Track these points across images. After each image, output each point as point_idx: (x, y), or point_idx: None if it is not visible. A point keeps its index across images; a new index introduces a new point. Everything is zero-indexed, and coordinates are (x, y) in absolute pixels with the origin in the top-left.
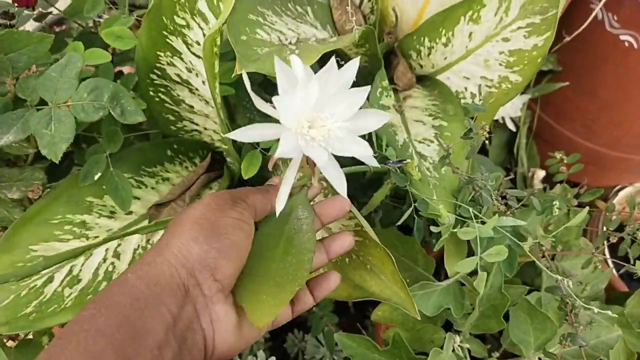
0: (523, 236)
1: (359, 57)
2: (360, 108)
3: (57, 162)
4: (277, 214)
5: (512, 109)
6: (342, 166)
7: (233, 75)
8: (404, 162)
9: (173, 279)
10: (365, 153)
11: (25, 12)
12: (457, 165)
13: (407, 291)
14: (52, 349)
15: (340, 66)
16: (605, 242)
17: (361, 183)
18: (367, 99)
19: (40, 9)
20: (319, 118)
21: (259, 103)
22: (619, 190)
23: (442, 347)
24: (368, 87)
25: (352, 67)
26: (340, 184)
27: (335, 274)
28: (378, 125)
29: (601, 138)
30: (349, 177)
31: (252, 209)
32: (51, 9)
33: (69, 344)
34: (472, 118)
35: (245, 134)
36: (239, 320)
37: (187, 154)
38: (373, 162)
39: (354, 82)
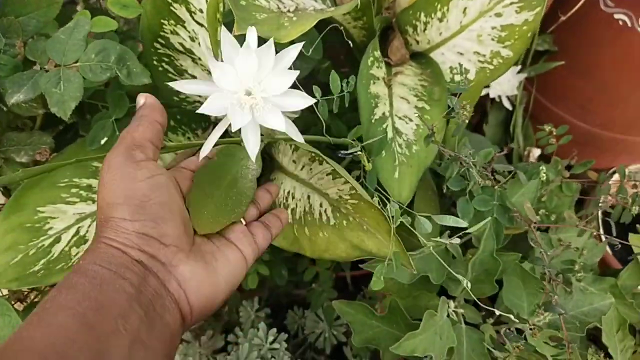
0: (509, 208)
1: (301, 44)
2: None
3: (66, 119)
4: (200, 158)
5: (508, 88)
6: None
7: (232, 33)
8: (355, 153)
9: (124, 258)
10: (282, 127)
11: None
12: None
13: (402, 248)
14: (18, 330)
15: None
16: (601, 220)
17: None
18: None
19: None
20: (255, 88)
21: (210, 62)
22: (613, 173)
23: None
24: (297, 72)
25: (293, 51)
26: (253, 149)
27: (285, 211)
28: (303, 105)
29: (596, 119)
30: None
31: (150, 147)
32: None
33: (31, 323)
34: (454, 94)
35: (184, 86)
36: (210, 269)
37: (190, 125)
38: (299, 138)
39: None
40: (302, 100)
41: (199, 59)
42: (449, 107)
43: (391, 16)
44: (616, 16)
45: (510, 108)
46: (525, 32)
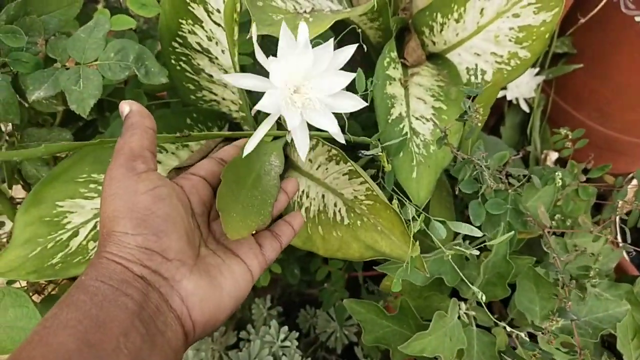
0: (522, 213)
1: (355, 46)
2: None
3: (85, 116)
4: (244, 155)
5: (526, 90)
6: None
7: (248, 37)
8: (375, 154)
9: (125, 273)
10: (333, 129)
11: None
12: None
13: (417, 248)
14: (18, 349)
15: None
16: (618, 225)
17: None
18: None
19: None
20: (304, 86)
21: (261, 58)
22: (633, 177)
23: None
24: (353, 74)
25: (347, 51)
26: (303, 149)
27: (300, 214)
28: (353, 108)
29: (615, 122)
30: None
31: (148, 156)
32: None
33: (31, 342)
34: (469, 97)
35: (239, 80)
36: (215, 283)
37: (206, 123)
38: (340, 139)
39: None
40: (352, 102)
41: (216, 58)
42: (463, 106)
43: (407, 17)
44: (637, 19)
45: (527, 111)
46: (543, 33)
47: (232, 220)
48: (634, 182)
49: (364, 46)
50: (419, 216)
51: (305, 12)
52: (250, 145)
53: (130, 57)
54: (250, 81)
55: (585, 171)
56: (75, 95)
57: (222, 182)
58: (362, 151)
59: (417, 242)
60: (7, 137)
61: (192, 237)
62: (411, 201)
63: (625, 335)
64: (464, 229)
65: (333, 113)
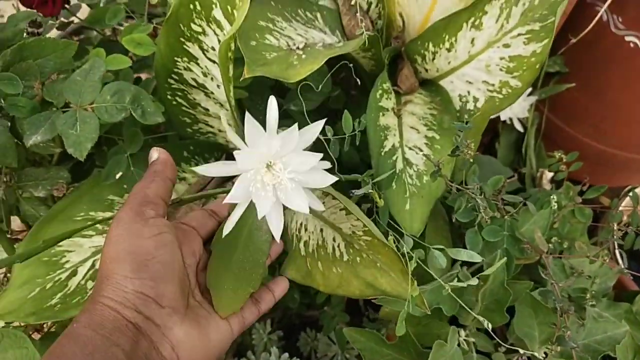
0: (519, 240)
1: (323, 121)
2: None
3: (82, 159)
4: (223, 235)
5: (519, 110)
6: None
7: (242, 79)
8: (365, 192)
9: (118, 321)
10: (304, 210)
11: (50, 22)
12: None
13: (417, 289)
14: None
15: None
16: (616, 243)
17: None
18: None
19: (62, 18)
20: (275, 166)
21: (232, 135)
22: (629, 192)
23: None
24: (320, 155)
25: (314, 129)
26: (277, 231)
27: (285, 280)
28: (325, 184)
29: (610, 139)
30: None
31: (159, 202)
32: (73, 18)
33: None
34: (465, 122)
35: (209, 169)
36: (203, 333)
37: (203, 155)
38: (306, 211)
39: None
40: (324, 178)
41: (212, 92)
42: (455, 141)
43: (400, 45)
44: (627, 38)
45: (522, 130)
46: (533, 64)
47: (223, 296)
48: (627, 200)
49: (355, 77)
50: (416, 247)
51: (298, 48)
52: (229, 224)
53: (127, 98)
54: (220, 169)
55: (581, 192)
56: (73, 138)
57: (212, 254)
58: (353, 191)
59: (415, 281)
60: (5, 179)
61: (184, 286)
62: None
63: (625, 357)
64: (463, 255)
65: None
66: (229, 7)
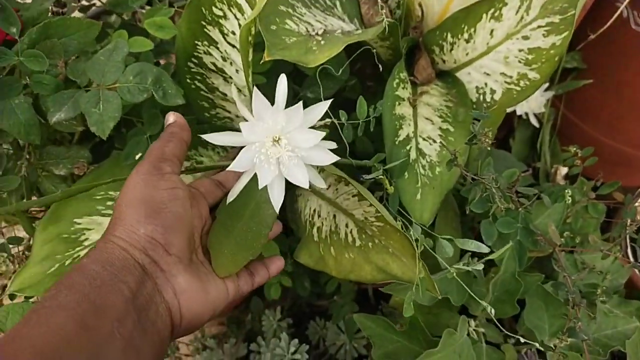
0: (533, 232)
1: (329, 101)
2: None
3: (104, 138)
4: (227, 202)
5: (535, 106)
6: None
7: (262, 62)
8: (376, 177)
9: (127, 260)
10: (304, 184)
11: (72, 4)
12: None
13: (427, 273)
14: (17, 326)
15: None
16: (629, 239)
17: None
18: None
19: (84, 1)
20: (280, 141)
21: (241, 108)
22: None
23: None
24: (323, 133)
25: (319, 108)
26: (277, 203)
27: (281, 259)
28: (327, 161)
29: (626, 137)
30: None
31: (175, 160)
32: (94, 1)
33: (30, 321)
34: (477, 120)
35: (216, 138)
36: (203, 287)
37: None
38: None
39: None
40: (326, 157)
41: (230, 77)
42: (472, 130)
43: (418, 35)
44: None
45: (537, 126)
46: (552, 56)
47: (221, 257)
48: None
49: (375, 63)
50: (425, 236)
51: (317, 34)
52: (233, 193)
53: (149, 79)
54: (228, 138)
55: (595, 188)
56: (95, 117)
57: (216, 219)
58: (364, 175)
59: (424, 264)
60: (27, 156)
61: (191, 240)
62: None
63: (635, 352)
64: (471, 245)
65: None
66: None
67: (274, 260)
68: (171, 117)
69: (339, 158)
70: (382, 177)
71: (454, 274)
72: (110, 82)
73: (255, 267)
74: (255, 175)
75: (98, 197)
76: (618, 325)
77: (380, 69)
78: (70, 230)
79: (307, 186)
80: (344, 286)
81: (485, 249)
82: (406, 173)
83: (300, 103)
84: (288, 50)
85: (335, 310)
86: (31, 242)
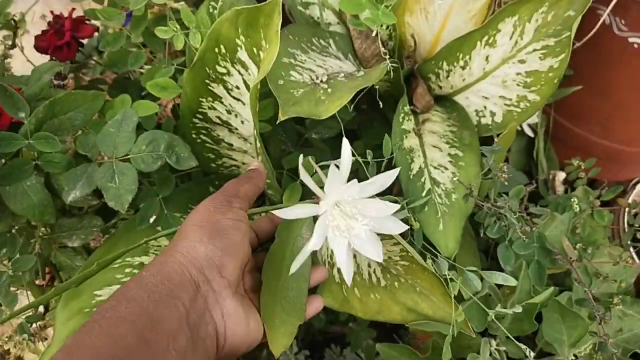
0: (550, 250)
1: (398, 170)
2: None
3: (123, 211)
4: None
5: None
6: None
7: (277, 121)
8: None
9: (184, 276)
10: (378, 258)
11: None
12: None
13: (462, 314)
14: (78, 335)
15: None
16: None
17: None
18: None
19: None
20: (350, 210)
21: (307, 179)
22: (636, 183)
23: (478, 352)
24: (397, 205)
25: (388, 177)
26: (349, 275)
27: (320, 299)
28: (395, 231)
29: (617, 136)
30: None
31: (245, 201)
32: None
33: (93, 330)
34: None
35: (289, 212)
36: (246, 316)
37: None
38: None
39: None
40: (397, 226)
41: (236, 128)
42: (483, 165)
43: (412, 65)
44: (631, 40)
45: (532, 135)
46: (551, 79)
47: (275, 332)
48: (638, 186)
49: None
50: (449, 269)
51: (321, 81)
52: (296, 264)
53: (162, 146)
54: (299, 211)
55: (597, 196)
56: (112, 191)
57: (263, 281)
58: None
59: (460, 306)
60: (40, 233)
61: (240, 271)
62: (440, 252)
63: None
64: (498, 278)
65: None
66: (254, 49)
67: (312, 302)
68: (254, 164)
69: (408, 227)
70: (408, 215)
71: (492, 317)
72: (122, 153)
73: None
74: (292, 229)
75: (116, 266)
76: (634, 328)
77: (375, 99)
78: (91, 303)
79: (381, 260)
80: None
81: (513, 282)
82: (426, 206)
83: (379, 176)
84: (299, 105)
85: (352, 337)
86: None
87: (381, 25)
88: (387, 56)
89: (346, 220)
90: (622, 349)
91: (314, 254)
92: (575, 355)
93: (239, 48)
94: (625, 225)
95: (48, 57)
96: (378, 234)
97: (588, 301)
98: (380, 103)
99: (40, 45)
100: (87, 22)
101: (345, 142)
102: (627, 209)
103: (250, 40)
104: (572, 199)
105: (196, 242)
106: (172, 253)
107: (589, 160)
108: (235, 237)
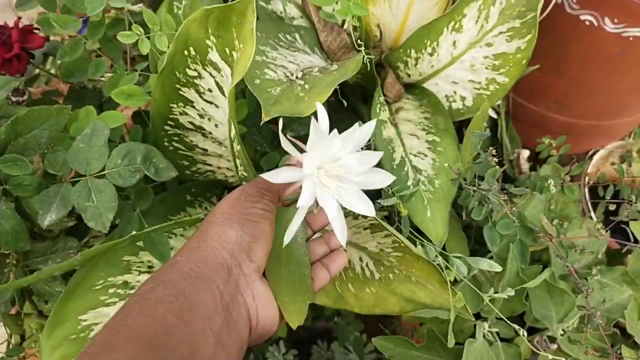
0: (531, 229)
1: (374, 122)
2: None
3: (105, 232)
4: (284, 245)
5: None
6: None
7: (262, 122)
8: (392, 204)
9: (217, 259)
10: (369, 212)
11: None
12: (450, 177)
13: (462, 299)
14: (118, 316)
15: None
16: (590, 203)
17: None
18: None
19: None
20: (334, 168)
21: (287, 146)
22: (592, 155)
23: (472, 336)
24: (381, 153)
25: (367, 128)
26: (343, 235)
27: (344, 253)
28: (383, 184)
29: (573, 110)
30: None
31: (276, 195)
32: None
33: (133, 311)
34: (463, 121)
35: (276, 176)
36: (273, 299)
37: (205, 195)
38: (372, 214)
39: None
40: (382, 178)
41: (210, 132)
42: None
43: (378, 54)
44: (582, 17)
45: (495, 117)
46: (519, 60)
47: (288, 306)
48: (595, 157)
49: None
50: (439, 256)
51: (297, 77)
52: (289, 235)
53: (138, 159)
54: (285, 175)
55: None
56: (91, 211)
57: (267, 268)
58: (379, 201)
59: (460, 293)
60: (14, 261)
61: (266, 258)
62: (429, 240)
63: (633, 319)
64: (484, 264)
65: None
66: (226, 49)
67: (334, 259)
68: (293, 160)
69: (395, 177)
70: (398, 201)
71: (487, 301)
72: (96, 169)
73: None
74: (283, 220)
75: (98, 287)
76: (614, 298)
77: (344, 91)
78: (77, 329)
79: (373, 214)
80: None
81: (498, 268)
82: (413, 197)
83: (355, 126)
84: (280, 104)
85: (340, 331)
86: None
87: (352, 17)
88: (355, 47)
89: (333, 180)
90: (605, 319)
91: None
92: (563, 330)
93: (209, 49)
94: (587, 197)
95: None
96: (370, 230)
97: (571, 275)
98: (348, 96)
99: None
100: (35, 31)
101: (319, 105)
102: (586, 181)
103: (222, 41)
104: (549, 180)
105: (227, 227)
106: (204, 238)
107: (559, 138)
108: (263, 225)
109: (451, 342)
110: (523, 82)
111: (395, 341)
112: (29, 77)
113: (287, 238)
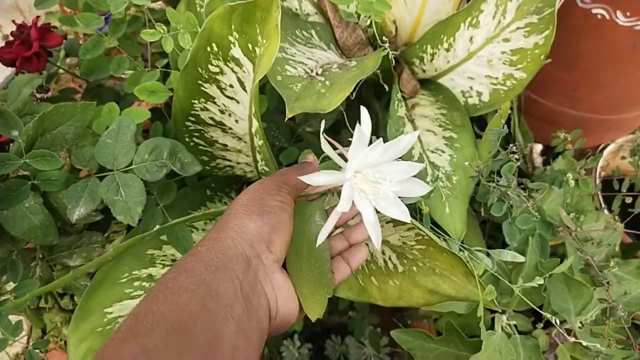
0: (550, 223)
1: (417, 133)
2: None
3: (134, 225)
4: (316, 245)
5: None
6: None
7: (286, 119)
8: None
9: (237, 249)
10: (404, 218)
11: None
12: (469, 174)
13: (493, 292)
14: (143, 303)
15: None
16: (603, 200)
17: None
18: (388, 112)
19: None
20: (372, 173)
21: (327, 149)
22: (603, 149)
23: (491, 328)
24: (422, 165)
25: (410, 138)
26: (377, 239)
27: (365, 247)
28: (420, 193)
29: (584, 104)
30: None
31: (294, 190)
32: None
33: (157, 299)
34: (480, 117)
35: (315, 178)
36: (293, 290)
37: (224, 190)
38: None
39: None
40: (421, 188)
41: (230, 128)
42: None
43: (393, 50)
44: (594, 11)
45: (508, 112)
46: (537, 55)
47: (307, 299)
48: (605, 151)
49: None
50: (462, 249)
51: (317, 74)
52: (321, 237)
53: (165, 153)
54: (325, 177)
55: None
56: (120, 205)
57: (287, 261)
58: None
59: (490, 285)
60: (39, 255)
61: (285, 249)
62: (448, 235)
63: None
64: (507, 256)
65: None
66: (249, 45)
67: (355, 253)
68: (310, 157)
69: (432, 188)
70: (420, 200)
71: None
72: (124, 164)
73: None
74: (304, 215)
75: (123, 280)
76: (632, 291)
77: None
78: (103, 322)
79: (409, 220)
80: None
81: (521, 258)
82: (432, 194)
83: (401, 137)
84: (302, 100)
85: (355, 326)
86: (34, 334)
87: (360, 13)
88: (370, 44)
89: (370, 185)
90: (626, 312)
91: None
92: (581, 323)
93: (232, 45)
94: (599, 190)
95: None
96: (393, 223)
97: (592, 268)
98: (362, 91)
99: (6, 57)
100: (52, 29)
101: (363, 109)
102: (599, 174)
103: (245, 37)
104: (567, 174)
105: (246, 219)
106: (224, 229)
107: (574, 132)
108: (282, 217)
109: (483, 335)
110: (534, 76)
111: (414, 334)
112: (48, 75)
113: (320, 240)
